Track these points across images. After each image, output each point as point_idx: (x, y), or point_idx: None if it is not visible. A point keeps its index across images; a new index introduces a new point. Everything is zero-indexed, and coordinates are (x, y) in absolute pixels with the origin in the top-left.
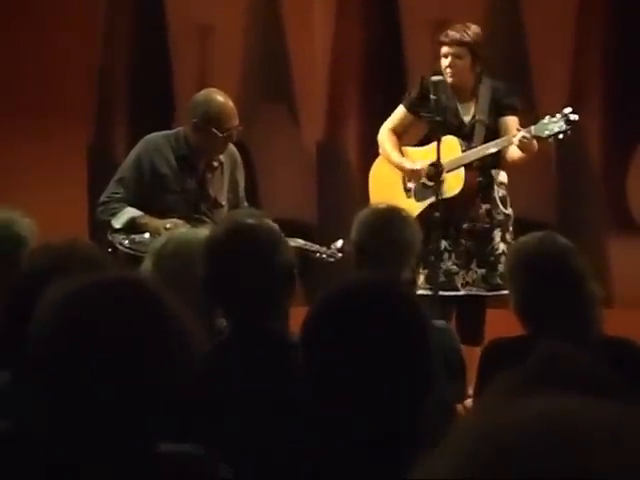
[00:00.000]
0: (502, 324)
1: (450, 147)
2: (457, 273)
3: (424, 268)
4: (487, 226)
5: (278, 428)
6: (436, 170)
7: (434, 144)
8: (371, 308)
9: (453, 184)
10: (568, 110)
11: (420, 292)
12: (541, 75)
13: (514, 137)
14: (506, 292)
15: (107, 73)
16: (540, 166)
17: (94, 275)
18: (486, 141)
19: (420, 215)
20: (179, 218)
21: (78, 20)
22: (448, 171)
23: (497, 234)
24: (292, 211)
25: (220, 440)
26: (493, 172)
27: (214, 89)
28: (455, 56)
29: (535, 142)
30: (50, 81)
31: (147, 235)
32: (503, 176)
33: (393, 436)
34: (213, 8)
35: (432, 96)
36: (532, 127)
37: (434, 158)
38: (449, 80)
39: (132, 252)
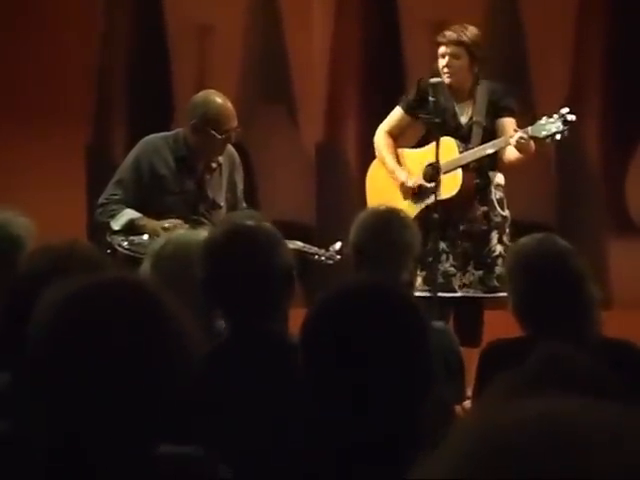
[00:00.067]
0: (501, 325)
1: (447, 148)
2: (454, 275)
3: (422, 270)
4: (484, 228)
5: (277, 430)
6: (434, 171)
7: (432, 145)
8: (370, 310)
9: (450, 185)
10: (565, 110)
11: (418, 294)
12: (540, 75)
13: (511, 138)
14: (503, 294)
15: (106, 73)
16: (539, 167)
17: (93, 276)
18: (483, 142)
19: (417, 217)
20: (177, 219)
21: (77, 20)
22: (445, 172)
23: (494, 236)
24: (291, 212)
25: (219, 441)
26: (490, 174)
27: (213, 90)
28: (452, 56)
29: (532, 143)
30: (50, 81)
31: (146, 236)
32: (500, 178)
33: (392, 437)
34: (212, 8)
35: (431, 98)
36: (529, 128)
37: (431, 160)
38: (446, 80)
39: (131, 254)
